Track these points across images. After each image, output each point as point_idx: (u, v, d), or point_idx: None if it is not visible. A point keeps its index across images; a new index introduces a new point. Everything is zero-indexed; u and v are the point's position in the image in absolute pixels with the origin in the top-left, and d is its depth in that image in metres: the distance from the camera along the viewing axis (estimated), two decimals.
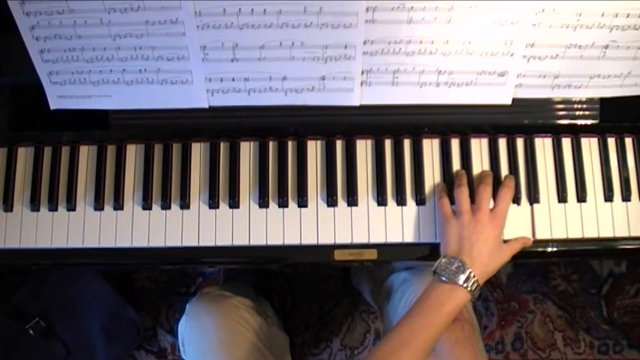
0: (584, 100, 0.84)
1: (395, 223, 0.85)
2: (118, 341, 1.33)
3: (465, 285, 0.76)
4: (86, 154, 0.89)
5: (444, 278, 0.77)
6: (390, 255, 0.86)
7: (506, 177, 0.86)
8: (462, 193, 0.83)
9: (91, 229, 0.86)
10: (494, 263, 0.80)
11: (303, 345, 1.44)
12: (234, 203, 0.86)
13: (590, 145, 0.88)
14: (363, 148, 0.88)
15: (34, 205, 0.87)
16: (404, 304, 0.98)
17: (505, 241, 0.83)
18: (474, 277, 0.77)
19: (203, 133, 0.88)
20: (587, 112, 0.85)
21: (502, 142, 0.88)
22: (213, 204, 0.86)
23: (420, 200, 0.86)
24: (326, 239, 0.85)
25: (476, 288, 0.77)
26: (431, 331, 0.75)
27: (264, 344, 0.95)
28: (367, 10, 0.73)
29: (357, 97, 0.81)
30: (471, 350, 0.89)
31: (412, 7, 0.73)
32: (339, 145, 0.88)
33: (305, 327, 1.43)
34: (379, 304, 1.13)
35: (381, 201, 0.86)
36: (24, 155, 0.89)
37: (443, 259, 0.78)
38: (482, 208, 0.81)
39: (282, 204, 0.86)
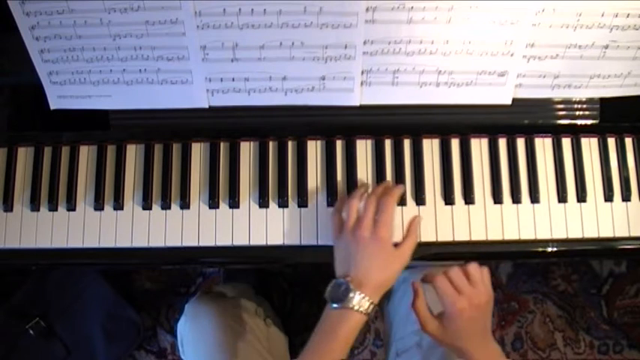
0: (584, 100, 0.84)
1: (395, 223, 0.85)
2: (118, 341, 1.33)
3: (357, 308, 0.73)
4: (86, 154, 0.89)
5: (334, 305, 0.74)
6: None
7: (394, 187, 0.82)
8: (351, 206, 0.79)
9: (91, 229, 0.86)
10: (387, 275, 0.77)
11: (303, 345, 1.44)
12: (234, 203, 0.86)
13: (590, 145, 0.88)
14: (363, 148, 0.88)
15: (34, 205, 0.87)
16: (404, 304, 0.98)
17: (396, 245, 0.79)
18: (364, 297, 0.73)
19: (203, 133, 0.88)
20: (587, 112, 0.85)
21: (502, 142, 0.88)
22: (213, 204, 0.86)
23: (419, 200, 0.86)
24: (326, 239, 0.85)
25: (369, 306, 0.74)
26: (329, 358, 0.74)
27: (262, 345, 0.95)
28: (367, 10, 0.73)
29: (357, 97, 0.81)
30: None
31: (412, 7, 0.73)
32: (339, 145, 0.88)
33: (305, 327, 1.43)
34: (379, 304, 1.13)
35: None
36: (24, 155, 0.89)
37: (329, 286, 0.75)
38: (362, 224, 0.76)
39: (282, 204, 0.86)
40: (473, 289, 0.77)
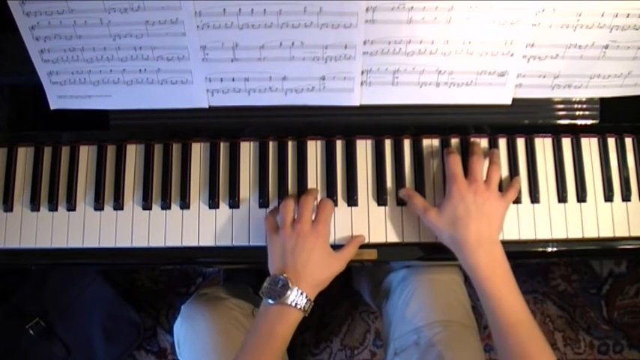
0: (584, 100, 0.84)
1: (395, 223, 0.85)
2: (118, 341, 1.33)
3: (294, 303, 0.73)
4: (86, 154, 0.89)
5: (270, 301, 0.74)
6: (390, 255, 0.86)
7: (311, 193, 0.83)
8: (286, 206, 0.80)
9: (91, 229, 0.86)
10: (325, 273, 0.78)
11: (303, 345, 1.44)
12: (234, 203, 0.86)
13: (590, 145, 0.89)
14: (363, 148, 0.88)
15: (34, 205, 0.87)
16: (402, 303, 0.98)
17: (338, 248, 0.81)
18: (301, 293, 0.74)
19: (203, 133, 0.88)
20: (587, 112, 0.85)
21: (502, 142, 0.88)
22: (213, 204, 0.86)
23: None
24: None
25: (306, 304, 0.74)
26: (268, 356, 0.73)
27: None
28: (367, 10, 0.73)
29: (357, 97, 0.81)
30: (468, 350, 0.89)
31: (412, 7, 0.73)
32: (339, 145, 0.88)
33: (305, 327, 1.43)
34: (378, 304, 1.13)
35: (381, 201, 0.86)
36: (24, 155, 0.89)
37: (266, 282, 0.75)
38: (302, 219, 0.78)
39: None
40: (482, 182, 0.79)
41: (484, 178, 0.81)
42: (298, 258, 0.76)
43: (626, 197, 0.87)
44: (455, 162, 0.81)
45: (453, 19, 0.74)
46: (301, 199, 0.81)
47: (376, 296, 1.15)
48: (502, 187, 0.85)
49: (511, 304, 0.74)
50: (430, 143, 0.88)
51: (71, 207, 0.87)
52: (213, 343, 0.92)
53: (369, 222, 0.85)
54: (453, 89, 0.81)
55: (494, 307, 0.74)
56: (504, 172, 0.87)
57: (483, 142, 0.88)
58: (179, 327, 0.97)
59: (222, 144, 0.88)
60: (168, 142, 0.88)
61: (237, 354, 0.75)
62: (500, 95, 0.82)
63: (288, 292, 0.74)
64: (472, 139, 0.87)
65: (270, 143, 0.88)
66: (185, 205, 0.86)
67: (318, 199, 0.85)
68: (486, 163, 0.84)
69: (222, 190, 0.87)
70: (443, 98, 0.82)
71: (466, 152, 0.87)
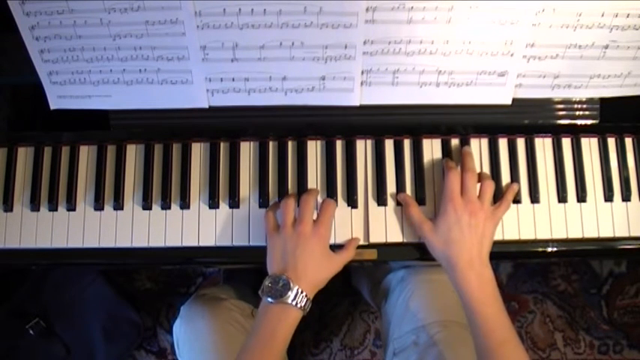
0: (584, 100, 0.84)
1: (395, 223, 0.85)
2: (118, 341, 1.33)
3: (294, 302, 0.74)
4: (86, 154, 0.89)
5: (270, 300, 0.75)
6: (390, 255, 0.86)
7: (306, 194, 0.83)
8: (287, 206, 0.80)
9: (91, 229, 0.86)
10: (324, 274, 0.79)
11: (303, 345, 1.44)
12: (234, 203, 0.86)
13: (590, 145, 0.89)
14: (363, 148, 0.88)
15: (34, 205, 0.87)
16: (401, 303, 0.98)
17: (337, 248, 0.81)
18: (301, 292, 0.75)
19: (203, 133, 0.88)
20: (587, 112, 0.85)
21: (502, 142, 0.88)
22: (213, 204, 0.86)
23: (419, 200, 0.86)
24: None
25: (306, 303, 0.75)
26: (270, 356, 0.74)
27: None
28: (367, 10, 0.73)
29: (357, 97, 0.81)
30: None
31: (412, 7, 0.73)
32: (339, 145, 0.88)
33: (305, 327, 1.43)
34: (377, 303, 1.13)
35: (381, 201, 0.86)
36: (24, 155, 0.89)
37: (266, 281, 0.76)
38: (303, 220, 0.78)
39: None
40: (477, 200, 0.80)
41: (477, 193, 0.81)
42: (299, 260, 0.76)
43: (626, 197, 0.87)
44: (454, 179, 0.81)
45: (453, 19, 0.74)
46: (302, 198, 0.81)
47: (375, 295, 1.15)
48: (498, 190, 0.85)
49: (499, 325, 0.76)
50: (430, 143, 0.88)
51: (71, 207, 0.87)
52: (212, 343, 0.92)
53: (369, 222, 0.85)
54: (453, 89, 0.81)
55: (481, 327, 0.75)
56: (504, 172, 0.87)
57: (483, 142, 0.88)
58: (178, 327, 0.97)
59: (222, 144, 0.88)
60: (168, 142, 0.88)
61: (239, 354, 0.76)
62: (500, 95, 0.82)
63: (289, 292, 0.74)
64: (465, 149, 0.86)
65: (270, 143, 0.88)
66: (185, 205, 0.86)
67: (319, 199, 0.85)
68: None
69: (222, 190, 0.87)
70: (443, 98, 0.82)
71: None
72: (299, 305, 0.75)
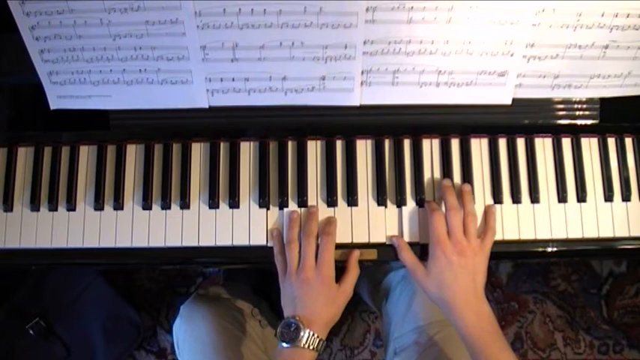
0: (584, 100, 0.84)
1: (395, 223, 0.85)
2: (118, 341, 1.33)
3: (307, 345, 0.76)
4: (86, 154, 0.89)
5: (284, 344, 0.76)
6: (390, 255, 0.86)
7: (326, 223, 0.83)
8: (291, 251, 0.81)
9: (91, 229, 0.86)
10: (334, 311, 0.80)
11: None
12: (234, 203, 0.86)
13: (590, 145, 0.88)
14: (363, 148, 0.88)
15: (34, 205, 0.87)
16: (402, 302, 0.98)
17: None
18: (313, 334, 0.76)
19: (203, 133, 0.88)
20: (587, 112, 0.85)
21: (502, 142, 0.88)
22: (213, 204, 0.86)
23: (419, 200, 0.86)
24: None
25: (319, 344, 0.77)
26: None
27: (258, 346, 0.95)
28: (367, 10, 0.73)
29: (357, 97, 0.81)
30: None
31: (412, 7, 0.73)
32: (339, 145, 0.88)
33: None
34: (377, 304, 1.13)
35: (381, 201, 0.86)
36: (24, 155, 0.89)
37: (279, 327, 0.77)
38: (305, 265, 0.79)
39: (283, 204, 0.86)
40: (464, 239, 0.79)
41: (462, 230, 0.80)
42: (307, 305, 0.78)
43: (626, 197, 0.87)
44: (439, 222, 0.80)
45: (453, 19, 0.74)
46: (303, 241, 0.81)
47: (375, 296, 1.15)
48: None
49: None
50: (430, 143, 0.88)
51: (71, 207, 0.87)
52: (212, 343, 0.92)
53: (369, 222, 0.85)
54: (453, 89, 0.81)
55: None
56: (504, 172, 0.87)
57: (483, 142, 0.88)
58: (178, 327, 0.97)
59: (222, 144, 0.88)
60: (168, 142, 0.88)
61: None
62: (500, 95, 0.82)
63: (301, 334, 0.76)
64: (444, 183, 0.84)
65: (270, 143, 0.88)
66: (185, 205, 0.86)
67: (334, 230, 0.83)
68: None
69: (222, 190, 0.87)
70: (443, 98, 0.82)
71: (466, 153, 0.87)
72: (311, 347, 0.76)
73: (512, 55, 0.78)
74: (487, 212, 0.84)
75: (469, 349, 0.78)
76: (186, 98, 0.81)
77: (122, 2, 0.73)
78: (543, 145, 0.88)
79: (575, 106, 0.84)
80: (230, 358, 0.91)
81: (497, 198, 0.86)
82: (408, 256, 0.82)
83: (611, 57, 0.79)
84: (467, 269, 0.78)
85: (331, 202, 0.85)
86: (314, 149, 0.88)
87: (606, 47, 0.78)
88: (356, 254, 0.84)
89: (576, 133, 0.88)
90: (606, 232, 0.86)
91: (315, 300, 0.78)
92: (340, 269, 0.83)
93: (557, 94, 0.83)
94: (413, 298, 0.96)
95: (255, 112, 0.83)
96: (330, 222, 0.84)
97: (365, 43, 0.76)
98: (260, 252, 0.85)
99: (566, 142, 0.88)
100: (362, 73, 0.79)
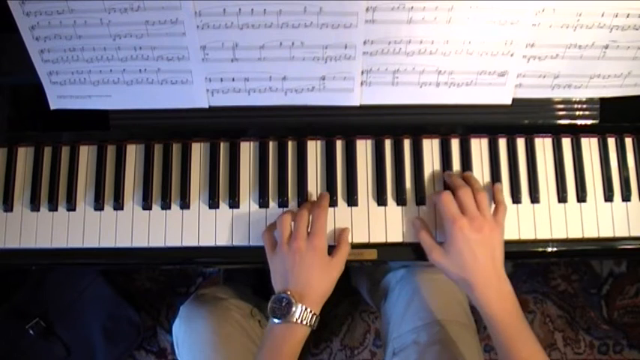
0: (584, 100, 0.84)
1: (395, 223, 0.85)
2: (118, 341, 1.33)
3: (299, 320, 0.74)
4: (86, 154, 0.89)
5: (276, 320, 0.74)
6: (390, 255, 0.86)
7: (319, 197, 0.84)
8: (283, 222, 0.79)
9: (91, 229, 0.86)
10: (326, 284, 0.78)
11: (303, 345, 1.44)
12: (234, 203, 0.86)
13: (590, 145, 0.88)
14: (363, 148, 0.88)
15: (34, 205, 0.87)
16: (401, 302, 0.98)
17: (330, 251, 0.80)
18: (306, 309, 0.74)
19: (203, 133, 0.88)
20: (587, 112, 0.85)
21: (502, 142, 0.88)
22: (213, 204, 0.86)
23: (419, 200, 0.86)
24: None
25: (312, 318, 0.75)
26: None
27: (257, 346, 0.95)
28: (367, 10, 0.73)
29: (357, 97, 0.81)
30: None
31: (412, 7, 0.73)
32: (339, 145, 0.88)
33: None
34: (377, 303, 1.13)
35: (381, 201, 0.86)
36: (24, 155, 0.89)
37: (270, 302, 0.75)
38: (297, 235, 0.77)
39: (282, 204, 0.86)
40: (479, 214, 0.78)
41: (475, 205, 0.79)
42: (299, 277, 0.76)
43: (626, 197, 0.87)
44: (449, 201, 0.79)
45: (453, 19, 0.75)
46: (297, 213, 0.80)
47: (374, 295, 1.15)
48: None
49: (523, 340, 0.75)
50: (430, 143, 0.88)
51: (71, 207, 0.87)
52: (211, 343, 0.92)
53: (369, 222, 0.85)
54: (453, 89, 0.81)
55: (508, 345, 0.75)
56: (504, 172, 0.87)
57: (483, 142, 0.88)
58: (178, 327, 0.97)
59: (222, 144, 0.88)
60: (168, 142, 0.88)
61: None
62: (500, 95, 0.82)
63: (293, 309, 0.74)
64: (446, 173, 0.85)
65: (270, 143, 0.88)
66: (185, 205, 0.86)
67: (326, 202, 0.83)
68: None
69: (222, 190, 0.87)
70: (443, 98, 0.82)
71: (466, 153, 0.87)
72: (305, 322, 0.74)
73: (512, 55, 0.78)
74: (493, 189, 0.84)
75: (489, 328, 0.77)
76: (186, 98, 0.81)
77: (122, 2, 0.73)
78: (543, 145, 0.88)
79: (575, 106, 0.84)
80: (230, 359, 0.91)
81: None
82: (425, 237, 0.81)
83: (611, 57, 0.79)
84: (485, 246, 0.77)
85: (331, 202, 0.85)
86: (314, 149, 0.88)
87: (606, 47, 0.78)
88: (346, 231, 0.83)
89: (576, 133, 0.88)
90: (606, 232, 0.86)
91: (307, 271, 0.76)
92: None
93: (557, 94, 0.83)
94: (411, 299, 0.96)
95: (255, 112, 0.83)
96: (322, 196, 0.83)
97: (365, 43, 0.76)
98: (260, 252, 0.85)
99: (566, 142, 0.88)
100: (362, 73, 0.79)
